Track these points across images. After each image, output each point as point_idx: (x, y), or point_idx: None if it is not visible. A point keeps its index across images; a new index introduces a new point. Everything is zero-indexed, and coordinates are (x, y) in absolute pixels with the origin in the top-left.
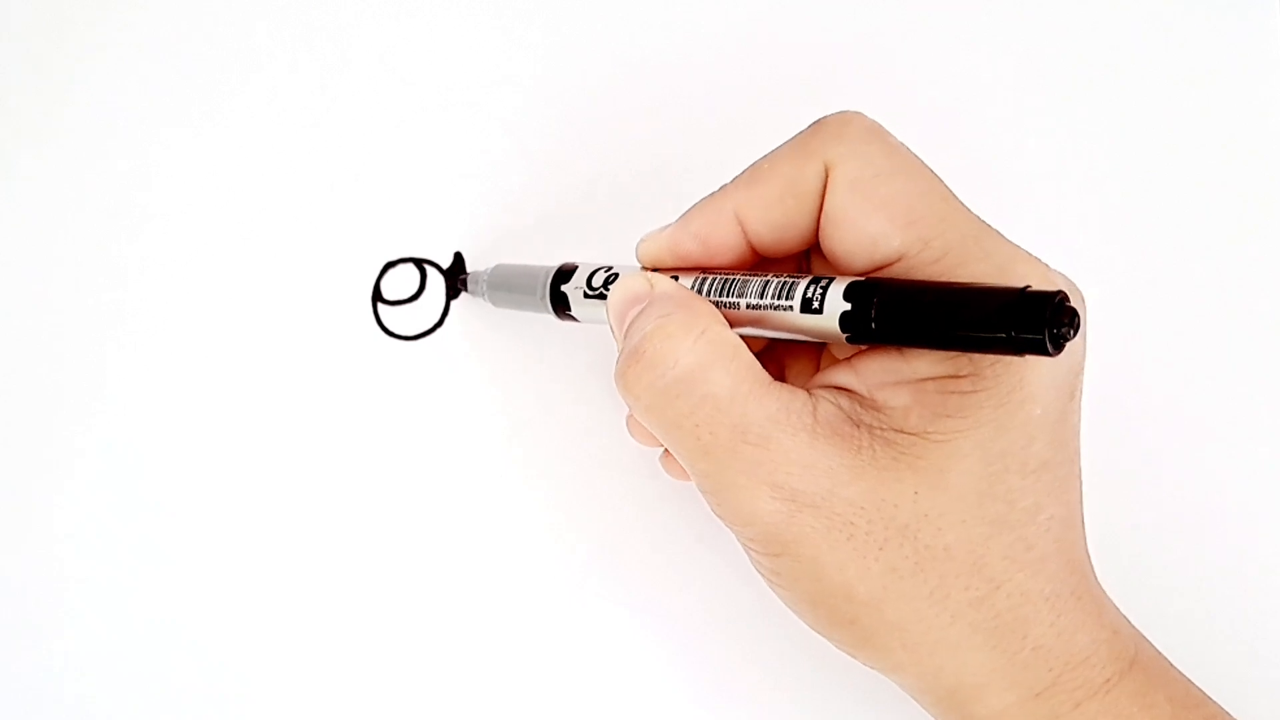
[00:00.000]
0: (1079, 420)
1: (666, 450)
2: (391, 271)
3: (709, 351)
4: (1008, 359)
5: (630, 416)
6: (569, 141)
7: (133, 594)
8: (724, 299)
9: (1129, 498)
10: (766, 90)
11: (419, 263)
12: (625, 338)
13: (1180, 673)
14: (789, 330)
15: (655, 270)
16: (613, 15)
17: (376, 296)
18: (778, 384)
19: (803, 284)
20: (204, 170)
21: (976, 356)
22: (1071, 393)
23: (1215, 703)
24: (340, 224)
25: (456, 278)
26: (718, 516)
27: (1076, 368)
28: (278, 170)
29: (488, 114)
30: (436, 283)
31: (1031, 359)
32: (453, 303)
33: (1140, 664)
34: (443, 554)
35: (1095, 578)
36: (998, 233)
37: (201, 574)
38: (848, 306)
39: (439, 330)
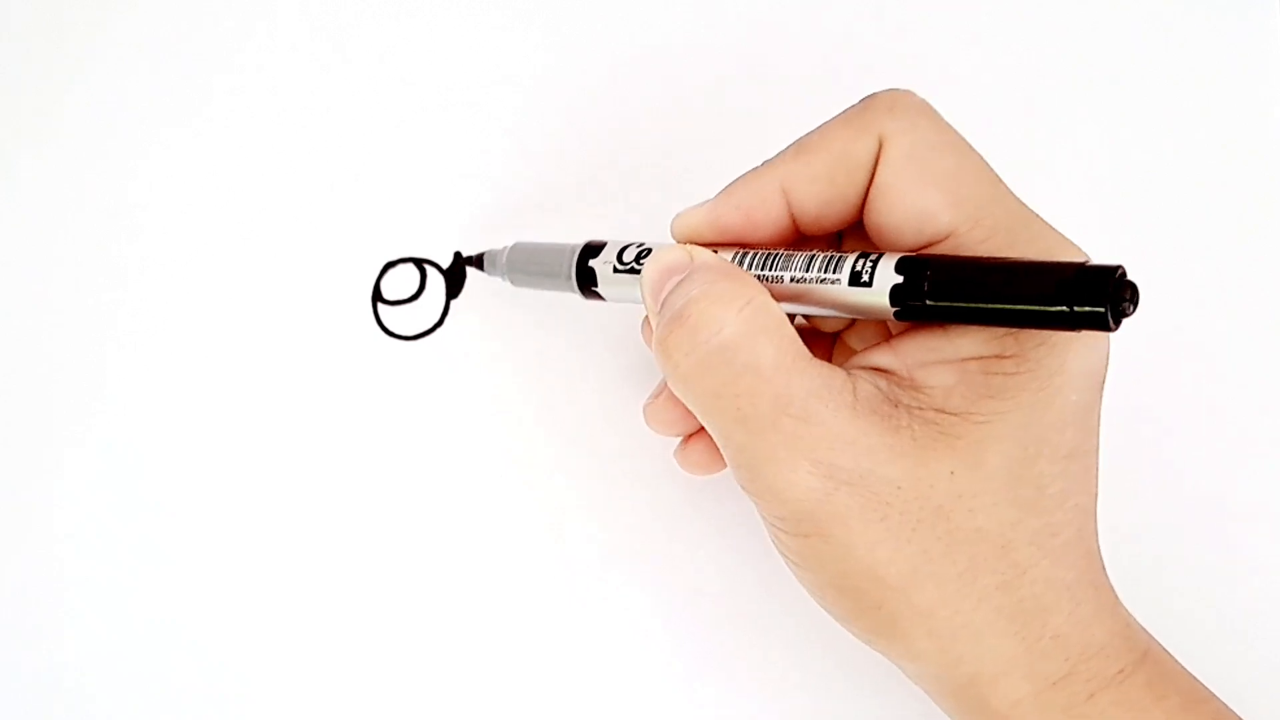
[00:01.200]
0: (1100, 411)
1: (684, 439)
2: (391, 271)
3: (754, 321)
4: (1052, 341)
5: (649, 403)
6: (569, 141)
7: (133, 594)
8: (765, 273)
9: (1129, 497)
10: (768, 91)
11: (419, 263)
12: (664, 305)
13: (1186, 669)
14: (833, 306)
15: (693, 245)
16: (613, 15)
17: (376, 296)
18: (818, 361)
19: (851, 258)
20: (204, 170)
21: (1022, 338)
22: (1101, 382)
23: (1220, 699)
24: (340, 224)
25: (456, 278)
26: (748, 493)
27: (1105, 358)
28: (278, 170)
29: (488, 114)
30: (436, 283)
31: (1074, 343)
32: (452, 302)
33: (1152, 657)
34: (442, 554)
35: (1106, 570)
36: (1042, 219)
37: (201, 574)
38: (899, 279)
39: (439, 330)
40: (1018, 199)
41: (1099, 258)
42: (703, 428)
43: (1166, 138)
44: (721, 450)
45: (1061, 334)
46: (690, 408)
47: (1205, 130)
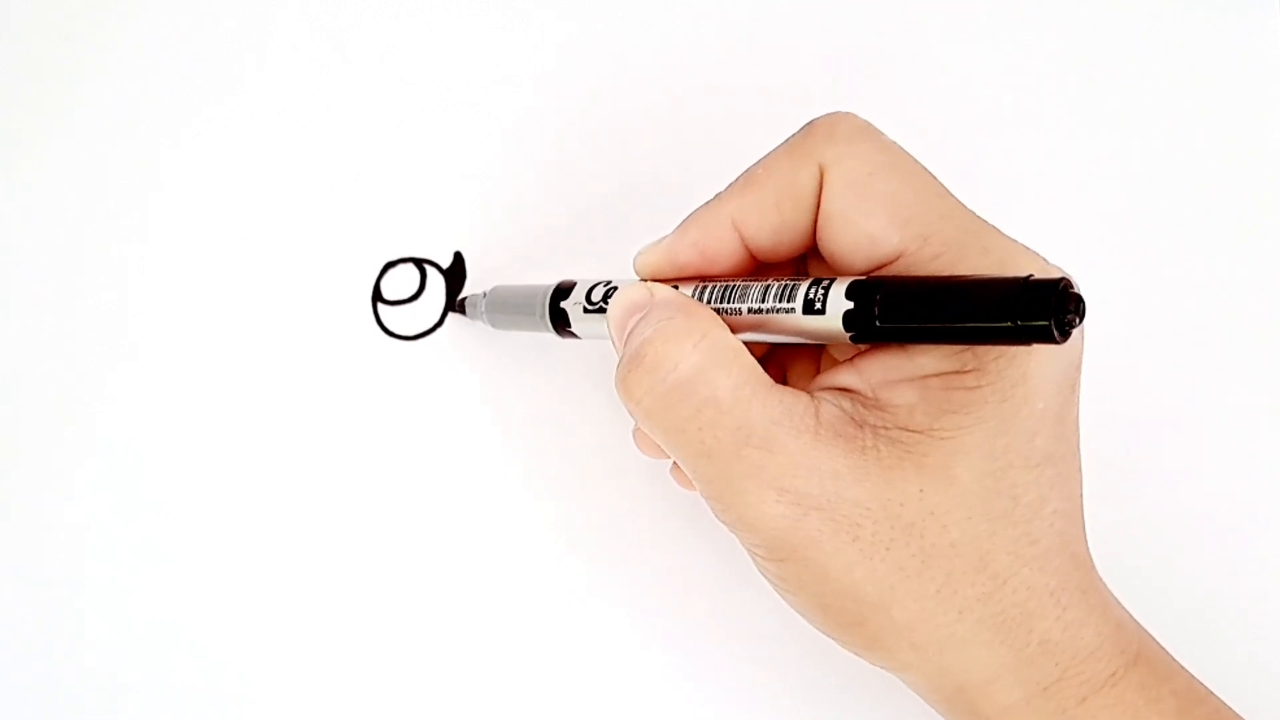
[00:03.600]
0: (1078, 414)
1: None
2: (391, 271)
3: (710, 355)
4: (1011, 353)
5: (636, 430)
6: (569, 141)
7: (133, 594)
8: (725, 305)
9: (1126, 496)
10: (767, 89)
11: (419, 263)
12: (625, 345)
13: (1183, 667)
14: (791, 333)
15: (655, 281)
16: (613, 16)
17: (376, 296)
18: (779, 387)
19: (804, 286)
20: (204, 170)
21: (980, 351)
22: (1072, 386)
23: (1218, 698)
24: (340, 224)
25: (456, 278)
26: (723, 523)
27: (1076, 361)
28: (278, 170)
29: (488, 114)
30: (436, 283)
31: (1035, 352)
32: (452, 303)
33: (1145, 658)
34: (441, 555)
35: (1097, 572)
36: (995, 228)
37: (201, 574)
38: (850, 305)
39: (439, 330)
40: (968, 212)
41: (1099, 257)
42: None
43: (1166, 138)
44: (693, 482)
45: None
46: (658, 443)
47: (1205, 130)
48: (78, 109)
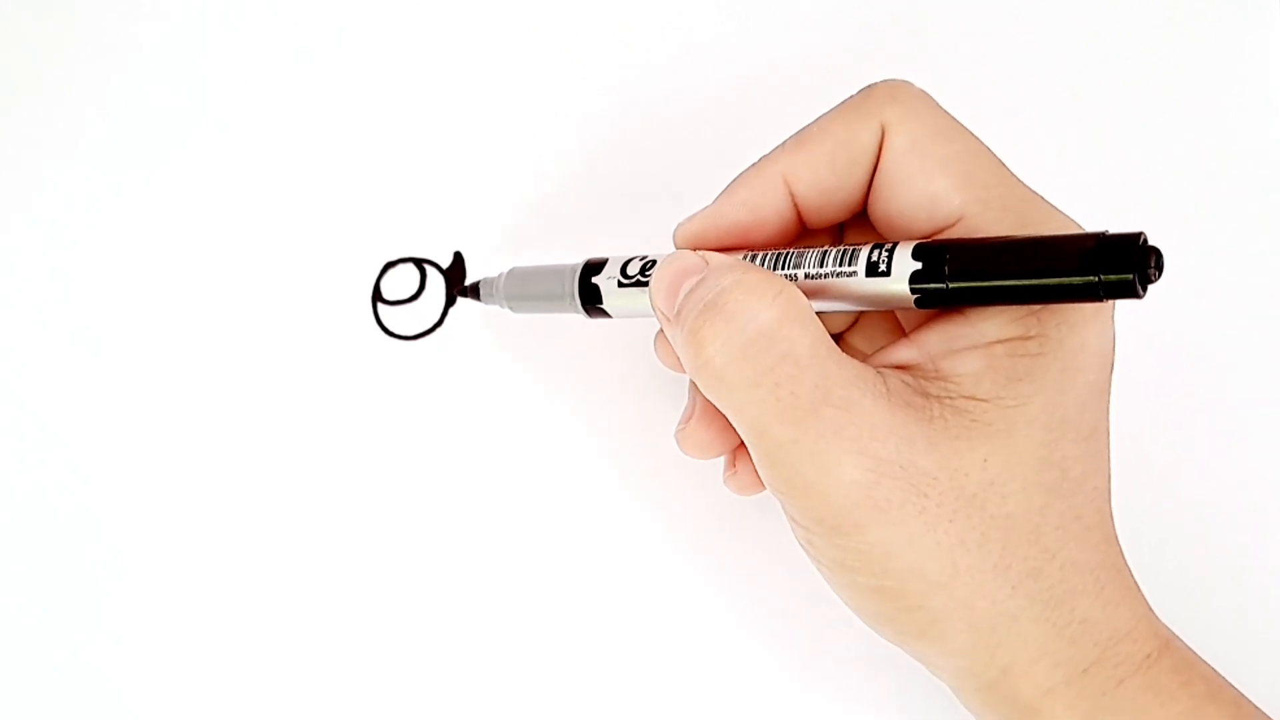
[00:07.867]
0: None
1: (732, 463)
2: (391, 271)
3: (789, 309)
4: (1071, 320)
5: (681, 428)
6: (570, 140)
7: (132, 593)
8: (778, 272)
9: (1126, 495)
10: (774, 86)
11: (419, 263)
12: (687, 302)
13: (1201, 657)
14: (850, 299)
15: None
16: (614, 14)
17: (376, 296)
18: (845, 354)
19: (865, 249)
20: (204, 170)
21: (1044, 317)
22: (1112, 363)
23: (1235, 687)
24: (340, 224)
25: (456, 278)
26: (782, 494)
27: (1114, 340)
28: (278, 170)
29: (489, 114)
30: (436, 282)
31: (1092, 321)
32: (452, 303)
33: (1175, 642)
34: (442, 555)
35: (1124, 555)
36: (1047, 200)
37: (201, 574)
38: (918, 266)
39: (439, 330)
40: (1022, 182)
41: None
42: (742, 444)
43: (1166, 138)
44: (753, 451)
45: (1080, 313)
46: (722, 404)
47: (1205, 130)
48: (78, 109)
